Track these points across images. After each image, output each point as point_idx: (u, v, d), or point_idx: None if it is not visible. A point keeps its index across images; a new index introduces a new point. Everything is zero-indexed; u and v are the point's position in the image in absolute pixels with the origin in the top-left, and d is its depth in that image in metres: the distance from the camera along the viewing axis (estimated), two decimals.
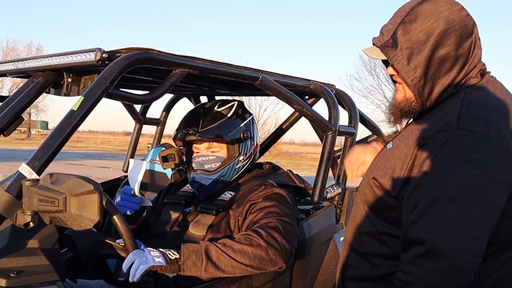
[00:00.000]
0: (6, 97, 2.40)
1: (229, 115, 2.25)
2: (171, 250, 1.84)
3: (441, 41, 1.44)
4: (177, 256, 1.82)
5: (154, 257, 1.78)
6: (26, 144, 36.13)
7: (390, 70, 1.55)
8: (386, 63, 1.66)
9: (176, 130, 2.27)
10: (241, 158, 2.25)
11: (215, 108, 2.27)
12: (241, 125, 2.26)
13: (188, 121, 2.24)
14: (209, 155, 2.22)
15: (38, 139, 45.87)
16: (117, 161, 22.91)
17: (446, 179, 1.34)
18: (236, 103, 2.33)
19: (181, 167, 2.40)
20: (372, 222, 1.59)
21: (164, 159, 2.61)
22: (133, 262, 1.77)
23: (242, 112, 2.32)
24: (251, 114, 2.37)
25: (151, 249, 1.82)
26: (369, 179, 1.61)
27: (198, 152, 2.24)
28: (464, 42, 1.46)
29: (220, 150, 2.23)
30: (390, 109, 1.63)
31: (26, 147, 30.11)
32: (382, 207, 1.56)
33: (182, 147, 2.34)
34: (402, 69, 1.48)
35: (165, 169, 2.92)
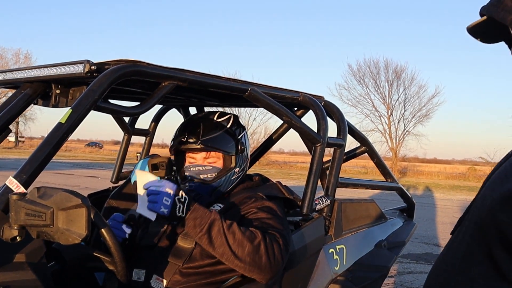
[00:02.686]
0: None
1: (228, 126, 2.27)
2: (184, 205, 1.86)
3: None
4: (183, 215, 1.86)
5: (162, 206, 1.83)
6: (14, 153, 35.88)
7: None
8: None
9: (173, 139, 2.26)
10: (236, 170, 2.25)
11: (215, 119, 2.28)
12: (238, 137, 2.27)
13: (187, 130, 2.23)
14: (206, 165, 2.22)
15: (26, 148, 45.58)
16: (105, 170, 22.80)
17: None
18: (232, 116, 2.34)
19: (171, 177, 2.39)
20: None
21: (154, 167, 2.60)
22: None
23: (238, 125, 2.33)
24: (244, 128, 2.39)
25: (168, 190, 1.84)
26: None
27: (193, 162, 2.23)
28: None
29: (217, 161, 2.22)
30: None
31: (14, 156, 29.90)
32: None
33: (172, 157, 2.33)
34: None
35: None
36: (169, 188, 1.85)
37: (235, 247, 1.86)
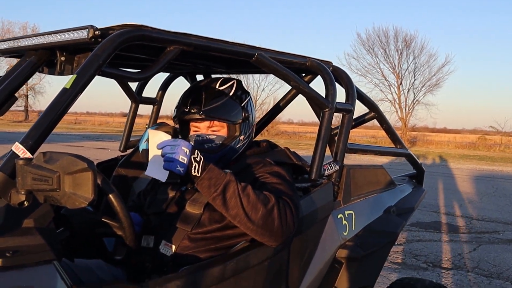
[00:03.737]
0: None
1: (230, 94, 2.22)
2: (199, 165, 1.84)
3: None
4: (198, 174, 1.84)
5: (178, 164, 1.81)
6: (24, 126, 36.11)
7: None
8: None
9: (177, 108, 2.22)
10: (241, 137, 2.22)
11: (217, 87, 2.23)
12: (242, 105, 2.23)
13: (190, 99, 2.19)
14: (210, 134, 2.19)
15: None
16: (115, 142, 22.90)
17: None
18: (235, 81, 2.29)
19: None
20: None
21: None
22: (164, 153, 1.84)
23: (242, 91, 2.29)
24: (249, 93, 2.34)
25: (184, 149, 1.83)
26: None
27: (197, 131, 2.21)
28: None
29: (221, 129, 2.19)
30: None
31: (24, 130, 30.06)
32: None
33: (177, 126, 2.31)
34: None
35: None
36: (185, 146, 1.84)
37: (249, 209, 1.85)
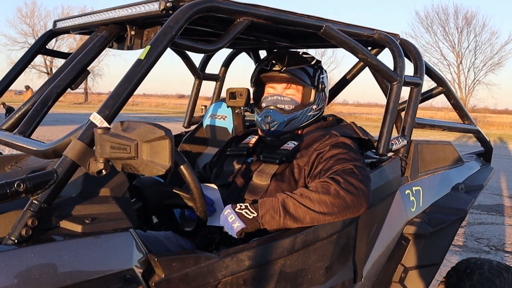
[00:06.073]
0: (69, 54, 2.44)
1: (312, 63, 2.30)
2: (248, 208, 1.87)
3: None
4: (255, 214, 1.86)
5: (232, 224, 1.85)
6: (84, 108, 37.20)
7: None
8: None
9: (257, 67, 2.32)
10: (314, 106, 2.27)
11: (300, 54, 2.34)
12: (319, 75, 2.29)
13: (273, 59, 2.27)
14: (284, 96, 2.25)
15: (95, 103, 47.04)
16: (172, 123, 23.23)
17: None
18: (315, 58, 2.36)
19: (247, 108, 2.43)
20: None
21: (232, 96, 2.60)
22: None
23: (320, 66, 2.35)
24: (326, 71, 2.40)
25: (227, 213, 1.87)
26: None
27: (272, 92, 2.27)
28: None
29: (296, 93, 2.25)
30: None
31: (83, 111, 30.96)
32: None
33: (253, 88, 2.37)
34: None
35: (229, 107, 2.92)
36: (225, 210, 1.89)
37: (317, 208, 1.85)
